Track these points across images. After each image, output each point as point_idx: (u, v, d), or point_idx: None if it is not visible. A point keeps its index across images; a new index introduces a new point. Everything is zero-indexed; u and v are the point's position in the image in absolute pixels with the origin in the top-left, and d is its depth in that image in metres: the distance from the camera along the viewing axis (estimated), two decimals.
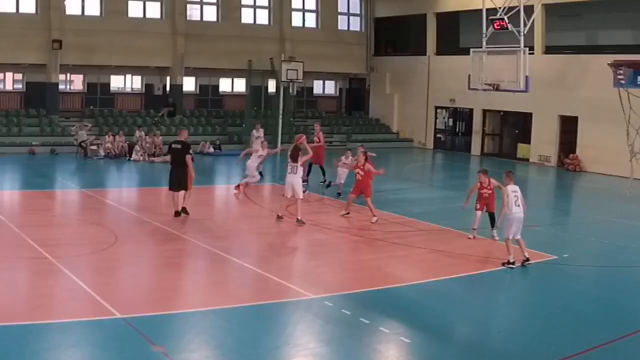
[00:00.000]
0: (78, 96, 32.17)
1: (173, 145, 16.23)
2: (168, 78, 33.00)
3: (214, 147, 29.78)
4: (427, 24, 34.91)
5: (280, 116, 31.49)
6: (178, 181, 15.80)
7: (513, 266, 12.46)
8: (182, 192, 15.88)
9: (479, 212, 14.74)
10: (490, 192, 14.68)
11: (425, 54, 35.03)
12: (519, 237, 12.64)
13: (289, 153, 15.95)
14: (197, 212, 16.65)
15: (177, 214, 15.78)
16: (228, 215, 17.87)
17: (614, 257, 14.21)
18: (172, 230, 14.54)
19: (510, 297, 11.65)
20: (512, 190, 12.67)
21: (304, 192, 16.55)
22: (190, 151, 16.02)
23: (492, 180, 14.73)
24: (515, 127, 32.53)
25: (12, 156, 25.90)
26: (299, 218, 15.41)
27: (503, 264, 12.57)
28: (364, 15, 38.01)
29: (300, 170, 15.79)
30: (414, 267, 12.80)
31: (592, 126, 27.35)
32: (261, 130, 24.62)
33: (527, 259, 12.66)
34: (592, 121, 27.32)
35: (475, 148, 33.16)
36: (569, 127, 28.92)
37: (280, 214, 15.80)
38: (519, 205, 12.56)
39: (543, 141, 29.92)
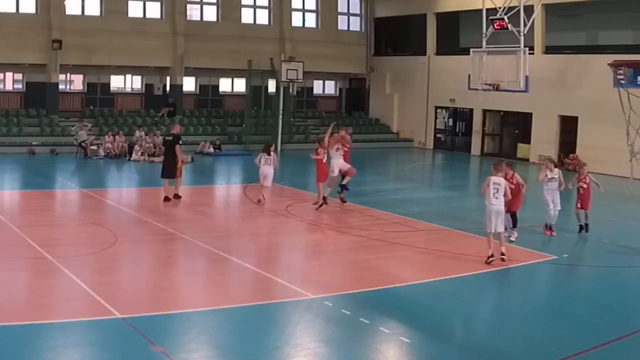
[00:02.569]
0: (78, 96, 32.15)
1: (166, 138, 18.68)
2: (168, 78, 32.98)
3: (214, 147, 29.74)
4: (427, 24, 34.89)
5: (280, 116, 31.50)
6: (167, 170, 17.73)
7: (493, 258, 12.34)
8: (174, 180, 17.73)
9: None
10: (513, 187, 14.16)
11: (425, 54, 35.01)
12: (500, 231, 12.48)
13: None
14: (197, 212, 16.68)
15: (166, 199, 17.45)
16: (228, 215, 17.87)
17: (614, 258, 14.19)
18: (172, 230, 14.54)
19: (510, 297, 11.63)
20: (494, 182, 12.53)
21: None
22: (180, 142, 17.82)
23: (516, 175, 14.42)
24: (515, 127, 32.50)
25: (12, 156, 25.88)
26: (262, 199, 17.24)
27: (485, 262, 12.45)
28: (364, 15, 37.99)
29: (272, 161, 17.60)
30: (414, 267, 12.79)
31: (592, 126, 27.34)
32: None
33: (502, 254, 12.44)
34: (592, 121, 27.31)
35: (475, 148, 33.14)
36: (569, 127, 28.90)
37: (260, 199, 17.25)
38: (497, 198, 12.42)
39: (543, 141, 29.88)
